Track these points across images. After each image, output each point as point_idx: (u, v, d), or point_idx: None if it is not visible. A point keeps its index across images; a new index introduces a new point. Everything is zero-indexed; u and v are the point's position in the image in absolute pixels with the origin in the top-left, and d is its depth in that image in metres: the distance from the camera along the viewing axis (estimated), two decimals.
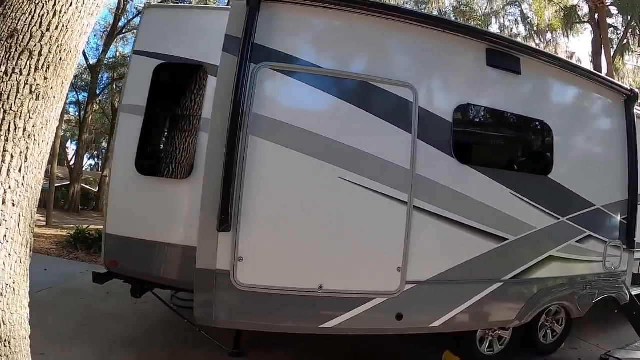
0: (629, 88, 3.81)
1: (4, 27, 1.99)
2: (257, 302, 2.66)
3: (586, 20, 15.42)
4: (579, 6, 15.43)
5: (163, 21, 3.81)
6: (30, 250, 2.03)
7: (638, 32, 15.02)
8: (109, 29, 18.14)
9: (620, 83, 4.00)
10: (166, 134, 3.66)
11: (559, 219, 3.25)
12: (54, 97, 2.05)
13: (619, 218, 3.73)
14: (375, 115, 2.74)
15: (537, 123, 3.26)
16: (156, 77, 3.54)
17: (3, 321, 1.83)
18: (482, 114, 3.10)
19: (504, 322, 3.26)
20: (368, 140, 2.73)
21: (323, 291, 2.68)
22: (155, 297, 3.79)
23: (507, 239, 3.01)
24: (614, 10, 14.73)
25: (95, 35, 18.81)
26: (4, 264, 1.84)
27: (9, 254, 1.86)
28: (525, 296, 3.18)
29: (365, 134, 2.75)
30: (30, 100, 1.95)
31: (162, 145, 3.62)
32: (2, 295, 1.84)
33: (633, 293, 4.04)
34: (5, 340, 1.84)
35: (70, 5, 2.07)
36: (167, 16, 3.92)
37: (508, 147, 3.20)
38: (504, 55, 3.10)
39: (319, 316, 2.74)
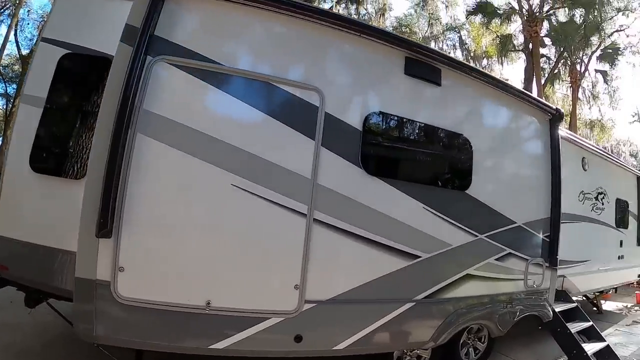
0: (554, 107, 3.67)
1: None
2: (139, 318, 2.28)
3: (521, 49, 15.86)
4: (514, 35, 15.85)
5: (75, 8, 3.39)
6: None
7: (569, 63, 15.56)
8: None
9: (546, 102, 3.86)
10: (65, 129, 3.22)
11: (477, 236, 3.01)
12: None
13: (541, 236, 3.56)
14: (275, 119, 2.42)
15: (457, 137, 3.02)
16: (60, 68, 3.12)
17: None
18: (396, 123, 2.82)
19: (417, 344, 2.98)
20: (266, 146, 2.40)
21: (211, 308, 2.32)
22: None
23: (419, 257, 2.74)
24: (547, 40, 15.22)
25: (29, 24, 17.48)
26: None
27: None
28: (441, 316, 2.91)
29: (264, 138, 2.42)
30: None
31: (59, 142, 3.18)
32: None
33: (556, 310, 3.90)
34: None
35: None
36: (80, 2, 3.49)
37: (423, 160, 2.93)
38: (424, 65, 2.86)
39: (208, 336, 2.37)
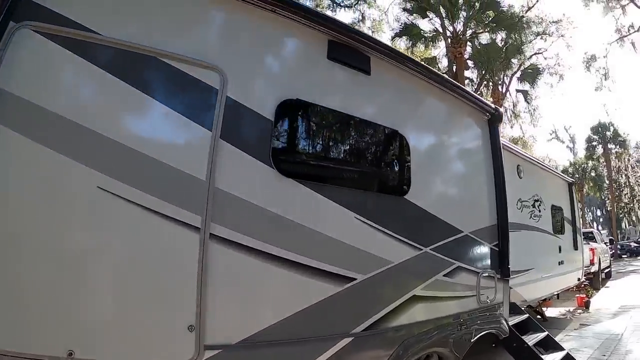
0: (493, 106, 3.32)
1: None
2: None
3: (445, 72, 16.52)
4: (438, 59, 16.46)
5: None
6: None
7: (491, 84, 16.44)
8: None
9: (484, 100, 3.51)
10: None
11: (421, 249, 2.44)
12: None
13: (489, 245, 3.09)
14: (159, 102, 1.73)
15: (390, 133, 2.48)
16: None
17: None
18: (318, 114, 2.22)
19: None
20: (144, 136, 1.70)
21: None
22: None
23: (354, 279, 2.09)
24: (470, 63, 16.03)
25: None
26: None
27: None
28: (386, 350, 2.25)
29: (143, 127, 1.73)
30: None
31: None
32: None
33: (511, 323, 3.43)
34: None
35: None
36: None
37: (352, 158, 2.33)
38: (350, 49, 2.32)
39: None
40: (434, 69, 3.04)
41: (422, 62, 2.93)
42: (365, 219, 2.19)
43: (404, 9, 15.43)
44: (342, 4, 16.43)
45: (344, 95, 2.32)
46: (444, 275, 2.56)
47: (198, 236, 1.69)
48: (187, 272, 1.67)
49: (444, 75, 3.02)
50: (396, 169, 2.55)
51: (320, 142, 2.26)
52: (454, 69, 14.53)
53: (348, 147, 2.36)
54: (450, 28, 14.70)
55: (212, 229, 1.72)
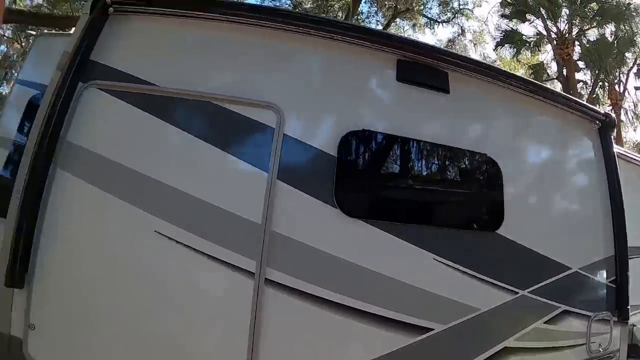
0: (602, 112, 2.67)
1: None
2: None
3: (555, 77, 14.45)
4: (547, 64, 14.47)
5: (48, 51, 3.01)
6: None
7: (607, 84, 13.97)
8: None
9: (591, 106, 2.85)
10: None
11: (516, 292, 2.00)
12: None
13: (604, 281, 2.45)
14: (214, 145, 1.68)
15: (478, 158, 2.10)
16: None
17: None
18: (388, 144, 1.96)
19: None
20: (199, 180, 1.67)
21: None
22: None
23: (430, 330, 1.79)
24: (582, 64, 13.84)
25: None
26: None
27: None
28: None
29: (198, 171, 1.70)
30: None
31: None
32: None
33: None
34: None
35: None
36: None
37: (429, 191, 2.02)
38: (423, 67, 2.03)
39: None
40: (528, 76, 2.54)
41: (517, 72, 2.48)
42: (446, 261, 1.87)
43: (502, 16, 14.13)
44: (439, 20, 15.54)
45: (419, 119, 2.03)
46: (545, 323, 2.06)
47: (252, 281, 1.58)
48: (240, 317, 1.57)
49: (541, 84, 2.50)
50: (485, 199, 2.16)
51: (392, 176, 2.01)
52: (565, 73, 12.80)
53: (425, 179, 2.05)
54: (554, 29, 13.00)
55: (268, 274, 1.59)
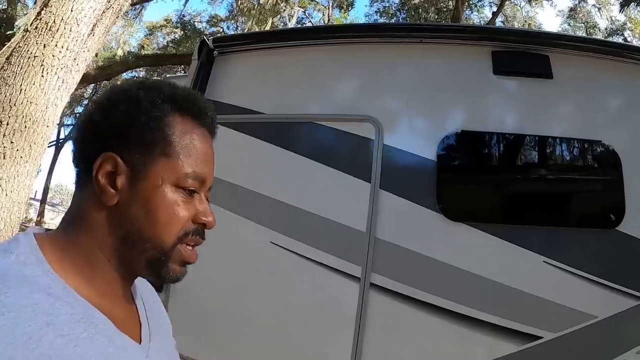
0: None
1: None
2: None
3: None
4: None
5: None
6: None
7: None
8: None
9: None
10: None
11: None
12: (21, 157, 1.97)
13: None
14: (318, 162, 1.87)
15: (590, 146, 1.92)
16: None
17: None
18: (489, 143, 1.91)
19: None
20: (307, 195, 1.86)
21: None
22: None
23: (539, 337, 1.76)
24: None
25: None
26: None
27: None
28: None
29: (305, 186, 1.89)
30: None
31: None
32: None
33: None
34: None
35: (34, 84, 1.89)
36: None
37: (537, 188, 1.92)
38: (521, 55, 1.91)
39: None
40: None
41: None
42: (557, 263, 1.79)
43: None
44: None
45: (521, 112, 1.92)
46: None
47: (358, 286, 1.74)
48: (346, 320, 1.74)
49: None
50: (602, 192, 1.97)
51: (495, 176, 1.96)
52: None
53: (531, 175, 1.96)
54: None
55: (372, 278, 1.74)
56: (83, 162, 0.50)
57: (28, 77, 1.77)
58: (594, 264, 1.81)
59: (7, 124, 1.86)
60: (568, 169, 1.96)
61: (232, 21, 13.17)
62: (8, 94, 1.87)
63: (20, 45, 1.79)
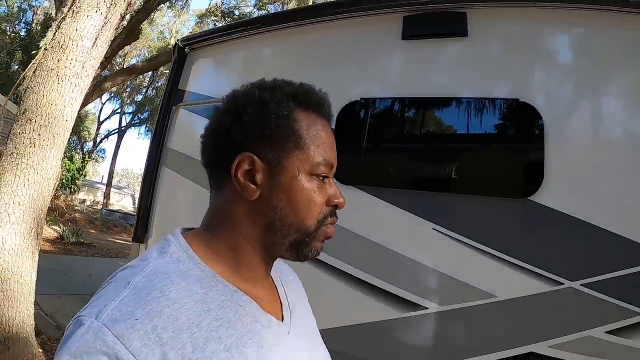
0: None
1: (21, 108, 2.94)
2: None
3: None
4: None
5: None
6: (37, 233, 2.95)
7: None
8: None
9: None
10: None
11: (560, 283, 1.54)
12: (47, 144, 2.90)
13: None
14: None
15: (507, 107, 1.69)
16: None
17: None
18: (386, 108, 1.87)
19: None
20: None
21: None
22: None
23: (425, 308, 1.69)
24: None
25: None
26: (15, 233, 2.76)
27: (15, 232, 2.77)
28: None
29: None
30: (30, 147, 2.79)
31: None
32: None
33: None
34: None
35: (52, 90, 2.84)
36: None
37: (436, 153, 1.76)
38: (436, 16, 1.82)
39: None
40: None
41: None
42: (450, 232, 1.71)
43: None
44: None
45: (429, 74, 1.88)
46: (609, 333, 1.49)
47: None
48: None
49: None
50: (515, 157, 1.71)
51: (388, 141, 1.97)
52: None
53: (431, 139, 1.89)
54: None
55: None
56: (218, 165, 0.57)
57: (48, 85, 2.61)
58: (498, 238, 1.68)
59: (35, 122, 2.70)
60: (477, 132, 1.79)
61: (279, 3, 13.30)
62: (34, 99, 2.71)
63: (42, 61, 2.67)
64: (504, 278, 1.62)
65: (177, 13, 15.79)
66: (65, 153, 8.83)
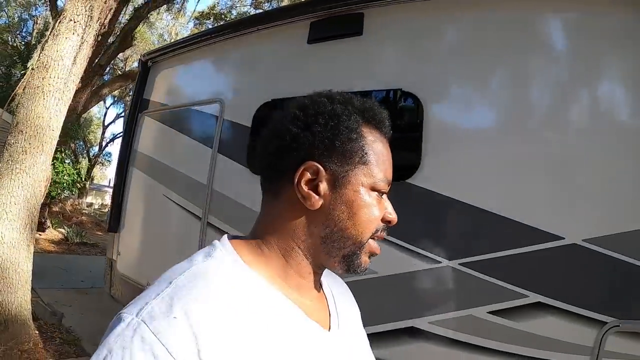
0: None
1: (14, 121, 3.46)
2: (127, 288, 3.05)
3: None
4: None
5: None
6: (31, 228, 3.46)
7: None
8: None
9: None
10: None
11: (437, 262, 1.73)
12: (37, 151, 3.42)
13: None
14: (185, 135, 2.78)
15: (391, 96, 2.05)
16: None
17: None
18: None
19: None
20: (180, 159, 2.81)
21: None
22: None
23: None
24: None
25: None
26: (12, 228, 3.27)
27: (12, 227, 3.29)
28: None
29: (179, 152, 2.84)
30: (22, 154, 3.31)
31: None
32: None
33: None
34: None
35: (39, 105, 3.35)
36: None
37: None
38: (336, 19, 2.19)
39: None
40: None
41: None
42: None
43: None
44: None
45: (329, 73, 2.21)
46: (491, 313, 1.61)
47: (200, 222, 2.49)
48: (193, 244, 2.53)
49: None
50: (396, 141, 2.01)
51: None
52: None
53: None
54: None
55: (209, 219, 2.46)
56: (277, 171, 0.58)
57: (35, 100, 3.14)
58: None
59: (26, 132, 3.25)
60: None
61: (274, 1, 13.53)
62: (24, 113, 3.27)
63: (29, 80, 3.18)
64: (384, 255, 1.98)
65: (175, 16, 16.34)
66: (64, 158, 9.26)
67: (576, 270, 1.56)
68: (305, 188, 0.55)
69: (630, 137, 1.56)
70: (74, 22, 3.07)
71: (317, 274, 0.61)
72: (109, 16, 3.42)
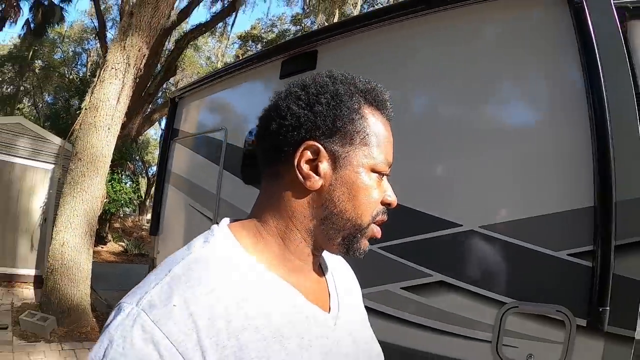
0: None
1: (75, 151, 4.49)
2: None
3: None
4: None
5: None
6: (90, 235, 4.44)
7: None
8: None
9: None
10: None
11: None
12: (91, 175, 4.43)
13: (556, 253, 1.53)
14: (203, 157, 3.56)
15: None
16: None
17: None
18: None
19: None
20: (202, 176, 3.51)
21: None
22: None
23: None
24: None
25: None
26: (75, 235, 4.26)
27: (75, 234, 4.28)
28: None
29: (203, 170, 3.55)
30: (81, 177, 4.31)
31: None
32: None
33: None
34: None
35: (93, 137, 4.35)
36: None
37: None
38: (299, 57, 2.76)
39: None
40: None
41: None
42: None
43: None
44: None
45: None
46: (404, 289, 1.91)
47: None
48: None
49: None
50: None
51: None
52: None
53: None
54: None
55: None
56: (277, 151, 0.57)
57: (89, 134, 4.09)
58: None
59: (83, 159, 4.23)
60: None
61: (312, 17, 13.93)
62: (82, 144, 4.27)
63: (84, 118, 4.13)
64: None
65: (219, 39, 17.74)
66: (121, 178, 10.52)
67: (474, 253, 1.78)
68: (305, 168, 0.55)
69: (516, 136, 1.75)
70: (115, 69, 4.00)
71: (316, 256, 0.62)
72: (144, 61, 4.31)
